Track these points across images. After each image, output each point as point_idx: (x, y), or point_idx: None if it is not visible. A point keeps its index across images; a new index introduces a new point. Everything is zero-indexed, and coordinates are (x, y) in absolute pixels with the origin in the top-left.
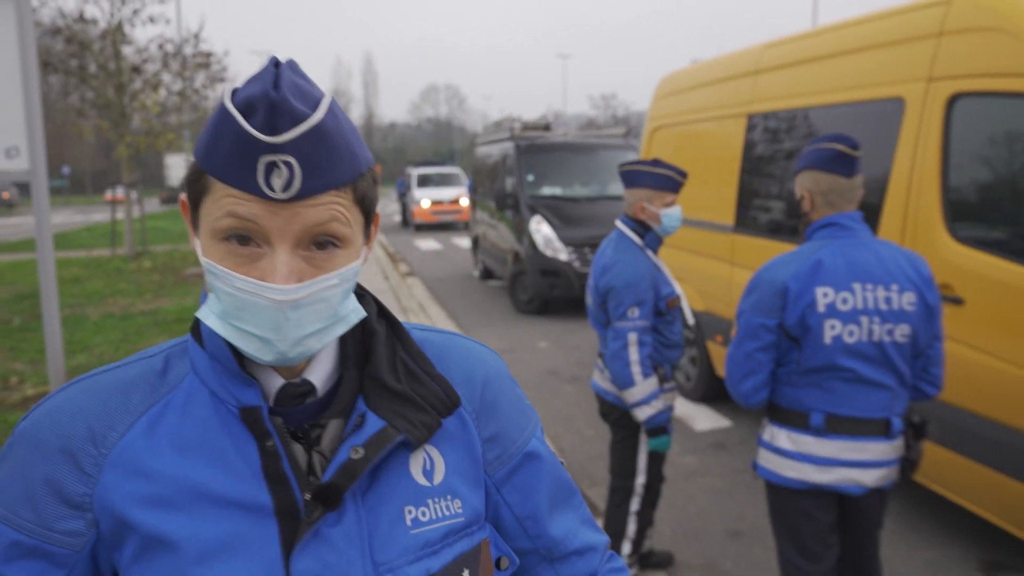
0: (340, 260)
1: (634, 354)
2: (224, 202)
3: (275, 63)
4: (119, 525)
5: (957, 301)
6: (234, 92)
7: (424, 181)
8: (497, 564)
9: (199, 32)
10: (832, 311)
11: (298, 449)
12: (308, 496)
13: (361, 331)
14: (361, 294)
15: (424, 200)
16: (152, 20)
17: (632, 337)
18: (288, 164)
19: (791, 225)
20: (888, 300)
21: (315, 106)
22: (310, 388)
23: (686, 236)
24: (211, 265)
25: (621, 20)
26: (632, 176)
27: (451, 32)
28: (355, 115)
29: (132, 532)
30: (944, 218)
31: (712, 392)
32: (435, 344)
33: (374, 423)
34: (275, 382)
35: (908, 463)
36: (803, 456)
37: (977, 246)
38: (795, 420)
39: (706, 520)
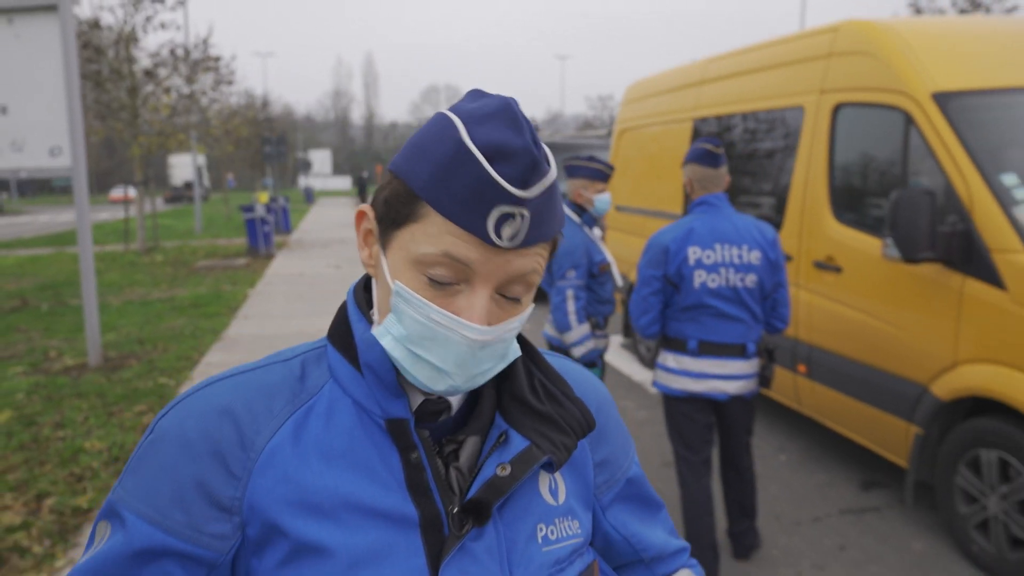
0: (524, 305)
1: (571, 305)
2: (441, 239)
3: (512, 103)
4: (267, 530)
5: (837, 270)
6: (468, 128)
7: None
8: None
9: (208, 38)
10: (699, 264)
11: (438, 463)
12: (455, 510)
13: None
14: None
15: None
16: (163, 26)
17: (569, 292)
18: (523, 217)
19: None
20: (740, 256)
21: (547, 159)
22: (446, 405)
23: (646, 223)
24: (407, 292)
25: (620, 21)
26: (571, 169)
27: (451, 33)
28: (356, 115)
29: (281, 537)
30: (830, 203)
31: None
32: (552, 366)
33: (519, 442)
34: (415, 398)
35: (763, 379)
36: (684, 372)
37: (851, 225)
38: (678, 345)
39: (647, 455)
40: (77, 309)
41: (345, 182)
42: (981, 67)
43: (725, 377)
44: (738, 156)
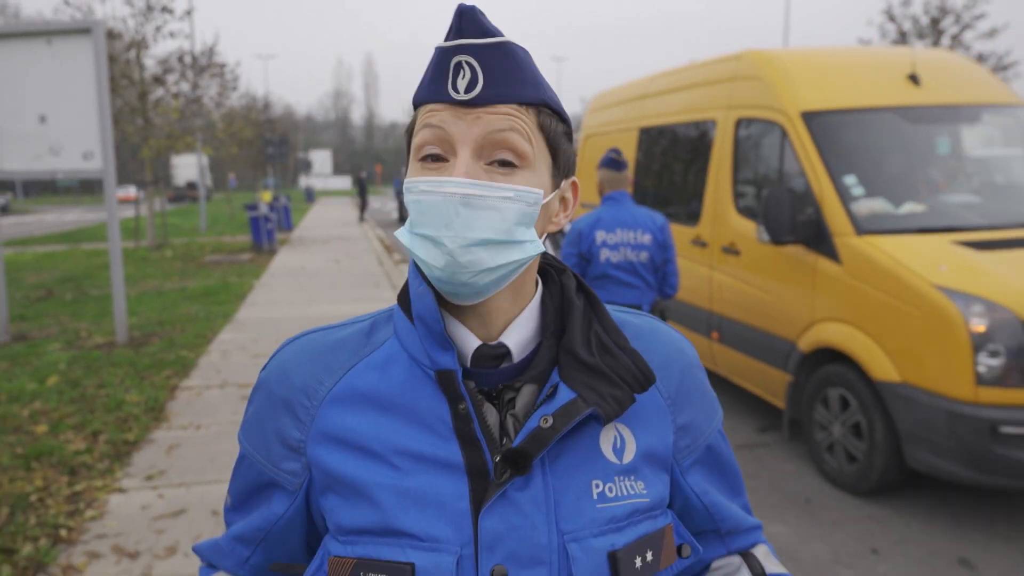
0: (518, 179)
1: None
2: (422, 121)
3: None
4: (326, 473)
5: (737, 253)
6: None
7: None
8: (679, 551)
9: (214, 46)
10: (604, 244)
11: (490, 411)
12: (498, 459)
13: (561, 304)
14: (561, 268)
15: None
16: (172, 35)
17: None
18: (470, 66)
19: (664, 203)
20: (635, 238)
21: (498, 31)
22: (505, 351)
23: None
24: (407, 181)
25: (618, 21)
26: None
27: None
28: (356, 115)
29: (337, 480)
30: (733, 197)
31: None
32: (634, 325)
33: (565, 394)
34: (472, 343)
35: None
36: None
37: (746, 216)
38: None
39: None
40: (98, 298)
41: (345, 182)
42: (837, 91)
43: None
44: (670, 159)
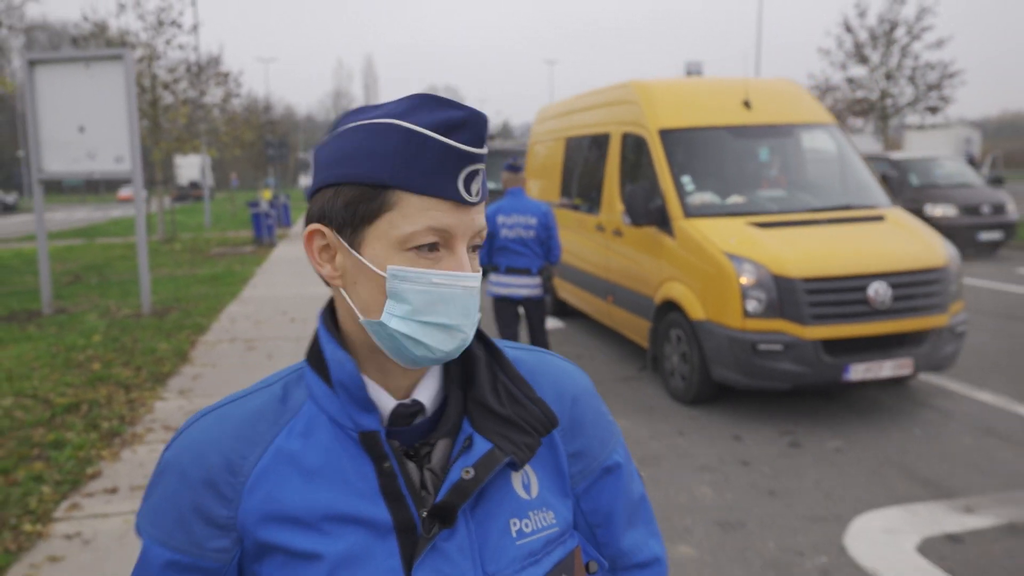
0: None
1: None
2: (422, 214)
3: (431, 94)
4: (259, 545)
5: (621, 235)
6: (414, 119)
7: None
8: (587, 568)
9: (219, 56)
10: (503, 224)
11: (412, 467)
12: (424, 514)
13: (462, 355)
14: None
15: None
16: (181, 47)
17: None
18: (482, 173)
19: (581, 196)
20: (525, 220)
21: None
22: (420, 408)
23: None
24: (402, 271)
25: (616, 21)
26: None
27: (450, 35)
28: None
29: (272, 550)
30: (620, 194)
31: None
32: (527, 363)
33: (481, 445)
34: (388, 403)
35: (544, 289)
36: (497, 283)
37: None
38: (494, 269)
39: None
40: (120, 282)
41: None
42: (687, 113)
43: (519, 286)
44: (584, 163)
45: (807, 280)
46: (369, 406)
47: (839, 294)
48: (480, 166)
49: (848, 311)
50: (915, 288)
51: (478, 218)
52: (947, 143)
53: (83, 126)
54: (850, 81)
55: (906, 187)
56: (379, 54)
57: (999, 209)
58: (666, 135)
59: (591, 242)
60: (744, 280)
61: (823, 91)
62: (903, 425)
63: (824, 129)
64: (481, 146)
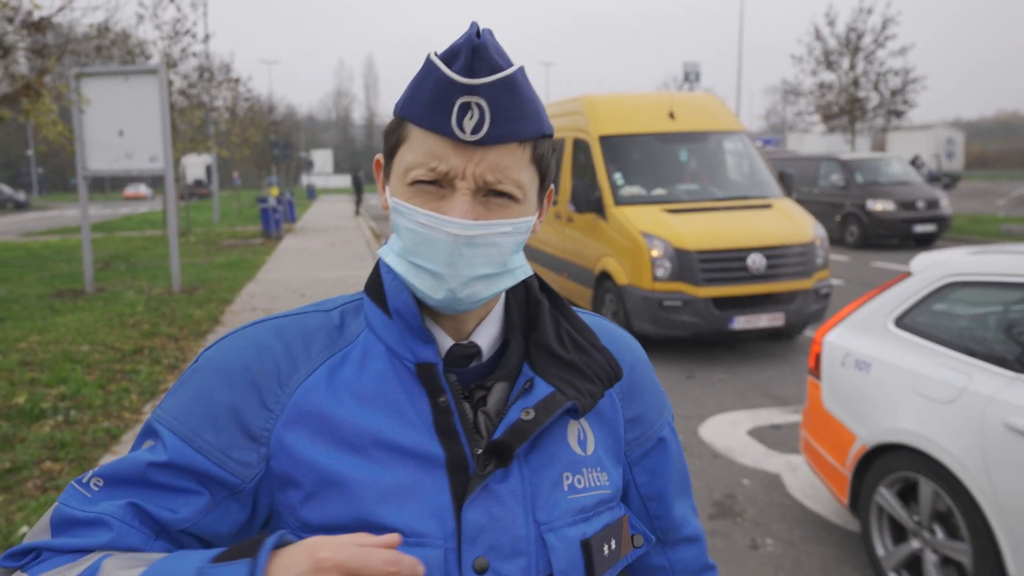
0: (514, 212)
1: None
2: (418, 147)
3: (475, 25)
4: (293, 463)
5: (571, 221)
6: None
7: None
8: (632, 540)
9: (230, 63)
10: None
11: (466, 407)
12: (480, 451)
13: (526, 301)
14: None
15: None
16: (195, 55)
17: None
18: (479, 107)
19: None
20: None
21: (509, 64)
22: (476, 350)
23: None
24: (398, 203)
25: (613, 22)
26: None
27: (450, 35)
28: (357, 115)
29: (308, 471)
30: (571, 189)
31: None
32: (586, 320)
33: (543, 388)
34: (445, 343)
35: None
36: None
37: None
38: None
39: None
40: (146, 268)
41: (346, 180)
42: (622, 123)
43: None
44: None
45: (700, 252)
46: (426, 336)
47: (725, 263)
48: (473, 98)
49: (732, 276)
50: (785, 259)
51: (490, 158)
52: (929, 144)
53: (122, 130)
54: (820, 86)
55: (852, 185)
56: (379, 54)
57: (933, 204)
58: (604, 140)
59: (551, 228)
60: (654, 253)
61: (795, 95)
62: (776, 364)
63: (735, 136)
64: (473, 76)
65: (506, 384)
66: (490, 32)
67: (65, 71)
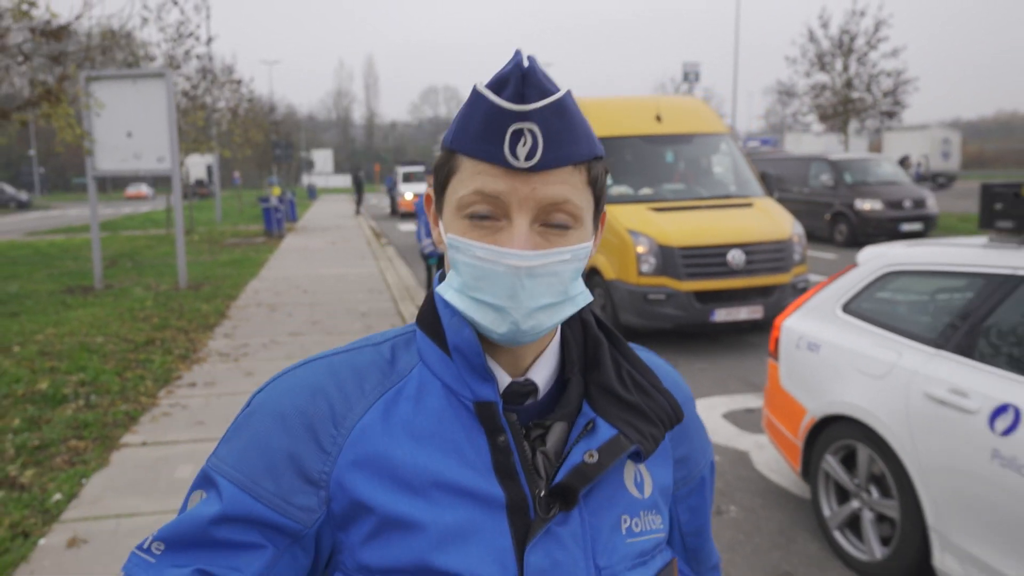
0: (572, 239)
1: (422, 230)
2: (472, 179)
3: (519, 53)
4: (354, 505)
5: None
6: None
7: (407, 178)
8: None
9: (232, 65)
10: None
11: (525, 447)
12: (543, 493)
13: (584, 339)
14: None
15: (407, 193)
16: (198, 58)
17: (421, 223)
18: (532, 133)
19: None
20: None
21: (557, 88)
22: (533, 388)
23: None
24: (454, 239)
25: (614, 22)
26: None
27: (450, 35)
28: (357, 115)
29: (368, 513)
30: None
31: None
32: (640, 357)
33: (606, 430)
34: (504, 379)
35: None
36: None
37: None
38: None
39: None
40: (151, 265)
41: (346, 180)
42: (612, 125)
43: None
44: None
45: (683, 248)
46: (487, 375)
47: (706, 258)
48: (525, 124)
49: (713, 271)
50: (763, 255)
51: (544, 188)
52: (925, 144)
53: (130, 131)
54: (815, 87)
55: (841, 184)
56: (379, 54)
57: (920, 204)
58: None
59: None
60: (639, 249)
61: (790, 96)
62: (754, 354)
63: (720, 138)
64: (523, 101)
65: (565, 424)
66: (534, 58)
67: (77, 75)
